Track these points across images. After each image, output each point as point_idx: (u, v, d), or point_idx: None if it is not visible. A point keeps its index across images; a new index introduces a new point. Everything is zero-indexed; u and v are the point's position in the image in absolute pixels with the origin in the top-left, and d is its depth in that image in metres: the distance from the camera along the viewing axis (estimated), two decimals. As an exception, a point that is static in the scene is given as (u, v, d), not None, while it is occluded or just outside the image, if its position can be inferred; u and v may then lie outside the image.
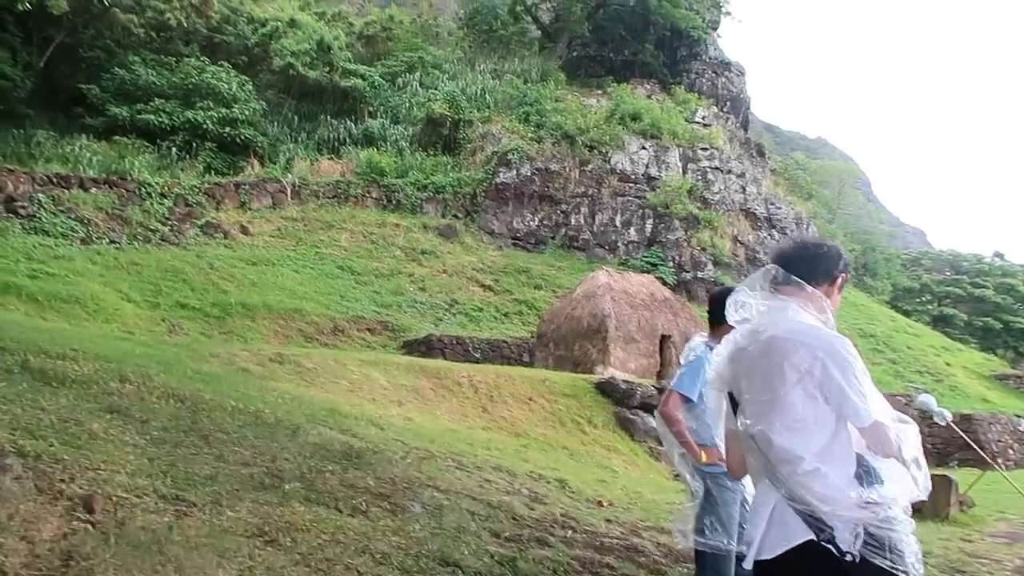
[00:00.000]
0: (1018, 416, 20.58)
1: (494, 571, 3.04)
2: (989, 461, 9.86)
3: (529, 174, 27.90)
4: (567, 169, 28.53)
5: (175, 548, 2.17)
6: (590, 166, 28.65)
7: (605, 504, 6.39)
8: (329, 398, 8.51)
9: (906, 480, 2.06)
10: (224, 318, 16.10)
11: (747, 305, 2.22)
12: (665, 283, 24.58)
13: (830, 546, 1.92)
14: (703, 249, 27.04)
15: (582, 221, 28.12)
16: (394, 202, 26.31)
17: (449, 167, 28.25)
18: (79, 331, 9.96)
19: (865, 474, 2.01)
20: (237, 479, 3.22)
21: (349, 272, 21.69)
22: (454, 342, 17.57)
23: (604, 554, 4.12)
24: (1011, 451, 19.79)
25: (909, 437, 2.12)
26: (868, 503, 1.95)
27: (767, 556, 1.97)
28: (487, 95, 31.31)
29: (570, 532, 4.54)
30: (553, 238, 27.75)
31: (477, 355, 17.46)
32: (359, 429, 6.40)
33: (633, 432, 12.44)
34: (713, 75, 36.92)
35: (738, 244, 28.65)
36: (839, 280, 2.28)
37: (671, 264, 26.65)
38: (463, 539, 3.34)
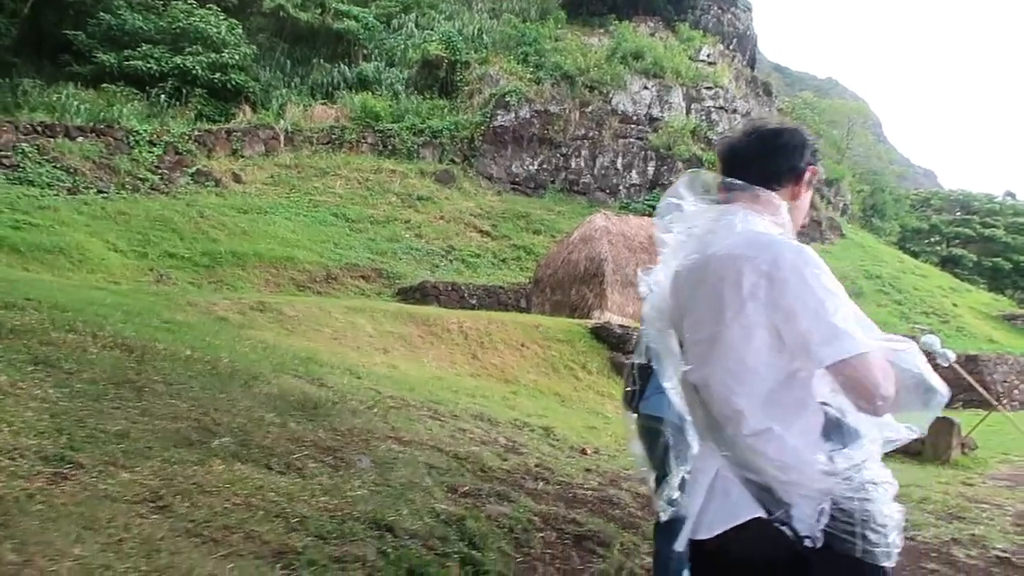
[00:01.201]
0: (1025, 356, 20.28)
1: (435, 532, 2.76)
2: (993, 403, 9.58)
3: (528, 116, 27.20)
4: (567, 111, 27.78)
5: (28, 520, 1.87)
6: (591, 107, 27.90)
7: (589, 452, 6.14)
8: (309, 346, 8.23)
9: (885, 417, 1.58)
10: (214, 267, 15.81)
11: (685, 216, 1.72)
12: (667, 227, 24.22)
13: (784, 527, 1.47)
14: (706, 191, 26.48)
15: (582, 164, 27.50)
16: (390, 147, 25.72)
17: (446, 111, 27.53)
18: (49, 280, 9.67)
19: (835, 431, 1.53)
20: (155, 435, 2.93)
21: (343, 219, 21.29)
22: (449, 288, 17.27)
23: (574, 508, 3.85)
24: (1016, 391, 19.54)
25: (907, 360, 1.62)
26: (837, 471, 1.49)
27: (704, 536, 1.53)
28: (484, 35, 30.38)
29: (542, 484, 4.28)
30: (553, 182, 27.18)
31: (473, 301, 17.17)
32: (332, 378, 6.12)
33: (629, 377, 12.21)
34: (719, 11, 35.70)
35: (743, 185, 28.04)
36: (806, 175, 1.77)
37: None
38: (408, 497, 3.06)
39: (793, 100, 43.98)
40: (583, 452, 6.03)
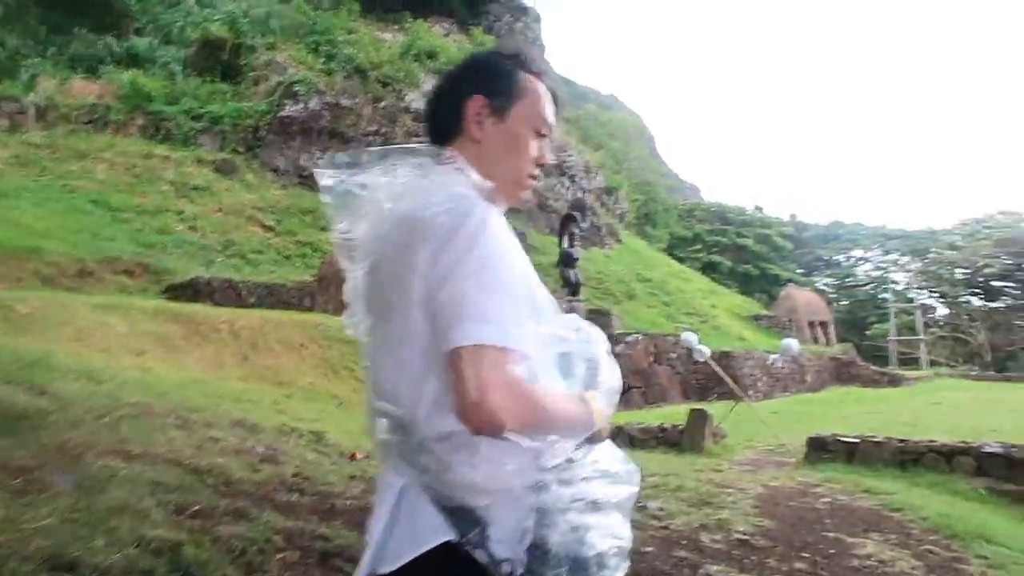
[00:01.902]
0: (768, 352, 22.83)
1: (137, 566, 2.34)
2: (740, 394, 10.57)
3: (318, 108, 26.16)
4: (359, 105, 27.10)
5: None
6: (383, 103, 27.44)
7: (360, 457, 5.84)
8: (42, 348, 7.14)
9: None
10: (-70, 257, 13.48)
11: (359, 190, 1.32)
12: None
13: (479, 551, 1.20)
14: (496, 194, 27.02)
15: (375, 161, 26.98)
16: (163, 132, 23.56)
17: (229, 96, 25.74)
18: None
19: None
20: None
21: (105, 208, 19.11)
22: (225, 286, 16.04)
23: (328, 521, 3.56)
24: (760, 383, 21.97)
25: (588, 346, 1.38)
26: (543, 481, 1.23)
27: (386, 569, 1.21)
28: (273, 19, 28.83)
29: (296, 496, 3.94)
30: (344, 178, 26.43)
31: (252, 300, 16.09)
32: (61, 385, 5.30)
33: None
34: (511, 19, 36.78)
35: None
36: (469, 106, 1.36)
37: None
38: (111, 524, 2.61)
39: (578, 111, 46.36)
40: (352, 457, 5.73)
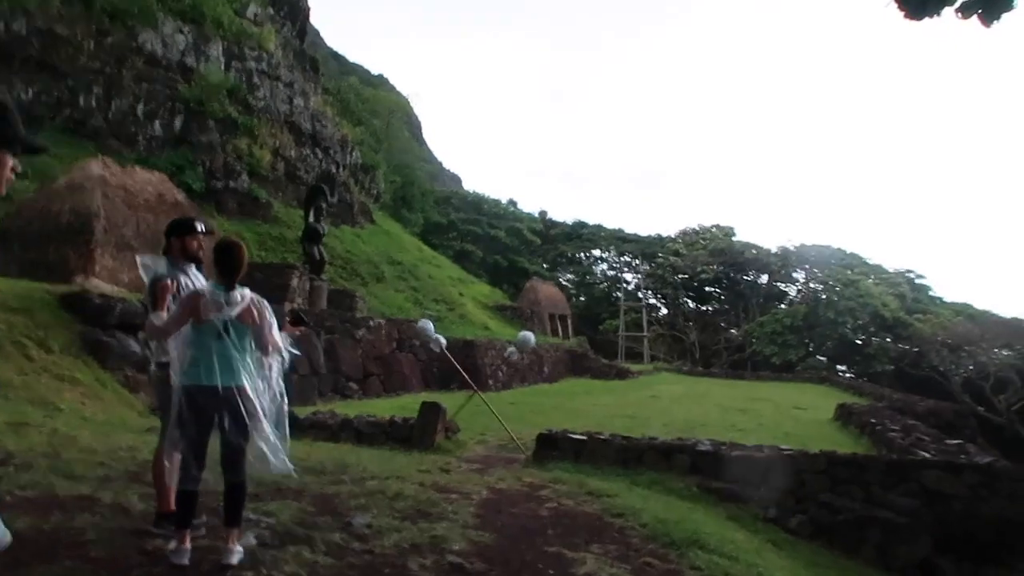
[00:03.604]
0: (509, 342, 23.22)
1: None
2: (473, 388, 10.20)
3: (25, 33, 21.96)
4: (79, 37, 23.20)
5: None
6: (110, 39, 23.76)
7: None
8: None
9: None
10: None
11: None
12: (191, 189, 21.86)
13: None
14: (239, 157, 24.66)
15: (94, 104, 23.24)
16: None
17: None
18: None
19: None
20: None
21: None
22: None
23: None
24: (500, 372, 22.28)
25: None
26: None
27: None
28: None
29: None
30: (53, 118, 22.41)
31: (-103, 253, 12.85)
32: None
33: (106, 357, 10.14)
34: (273, -28, 33.91)
35: (279, 157, 26.89)
36: None
37: (201, 169, 23.71)
38: None
39: (340, 83, 44.39)
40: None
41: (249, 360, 3.61)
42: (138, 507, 4.44)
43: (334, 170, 30.21)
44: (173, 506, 3.77)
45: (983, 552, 7.06)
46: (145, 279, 4.08)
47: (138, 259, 4.23)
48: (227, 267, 3.59)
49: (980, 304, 54.26)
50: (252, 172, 25.00)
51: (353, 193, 31.53)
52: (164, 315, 3.68)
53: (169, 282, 3.89)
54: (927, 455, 8.92)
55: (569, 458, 8.51)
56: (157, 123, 24.03)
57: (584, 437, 8.72)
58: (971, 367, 33.71)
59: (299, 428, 9.63)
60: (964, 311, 48.73)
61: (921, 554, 7.11)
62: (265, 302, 3.73)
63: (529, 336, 9.29)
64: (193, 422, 3.46)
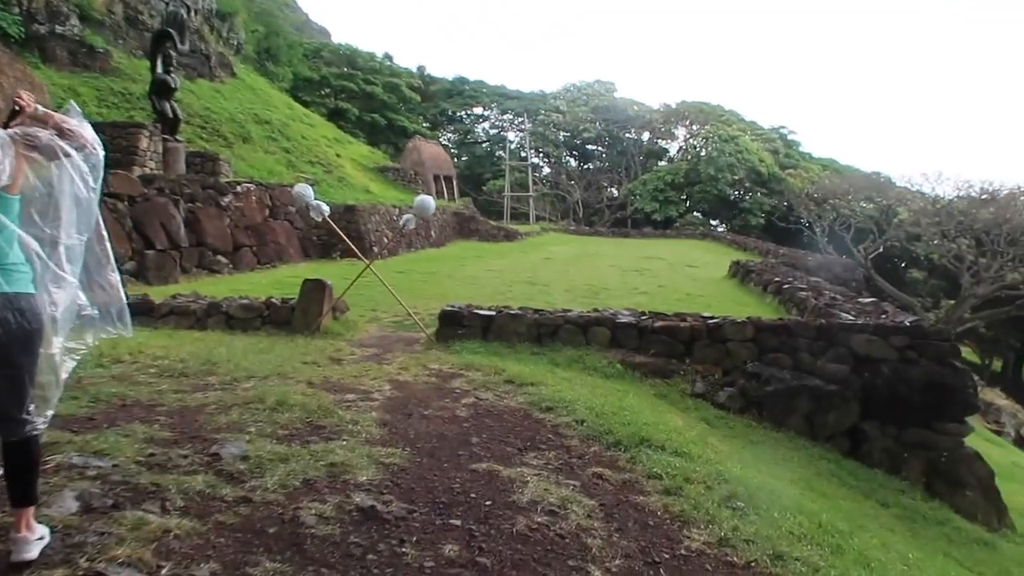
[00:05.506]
0: (399, 208, 21.76)
1: None
2: (363, 260, 8.96)
3: None
4: None
5: None
6: None
7: None
8: None
9: None
10: None
11: None
12: (6, 34, 18.36)
13: None
14: (65, -4, 20.83)
15: None
16: None
17: None
18: None
19: None
20: None
21: None
22: None
23: None
24: (386, 239, 20.93)
25: None
26: None
27: None
28: None
29: None
30: None
31: None
32: None
33: None
34: None
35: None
36: None
37: (17, 10, 19.86)
38: None
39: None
40: None
41: (18, 249, 2.29)
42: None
43: (184, 14, 26.36)
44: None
45: (908, 416, 6.85)
46: None
47: None
48: None
49: (844, 159, 56.92)
50: (84, 16, 21.28)
51: (209, 42, 27.85)
52: None
53: None
54: (849, 317, 8.64)
55: (476, 336, 7.61)
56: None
57: (492, 312, 7.80)
58: (835, 219, 35.16)
59: (156, 315, 8.20)
60: (831, 166, 50.91)
61: (850, 422, 6.83)
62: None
63: (428, 201, 8.05)
64: None
